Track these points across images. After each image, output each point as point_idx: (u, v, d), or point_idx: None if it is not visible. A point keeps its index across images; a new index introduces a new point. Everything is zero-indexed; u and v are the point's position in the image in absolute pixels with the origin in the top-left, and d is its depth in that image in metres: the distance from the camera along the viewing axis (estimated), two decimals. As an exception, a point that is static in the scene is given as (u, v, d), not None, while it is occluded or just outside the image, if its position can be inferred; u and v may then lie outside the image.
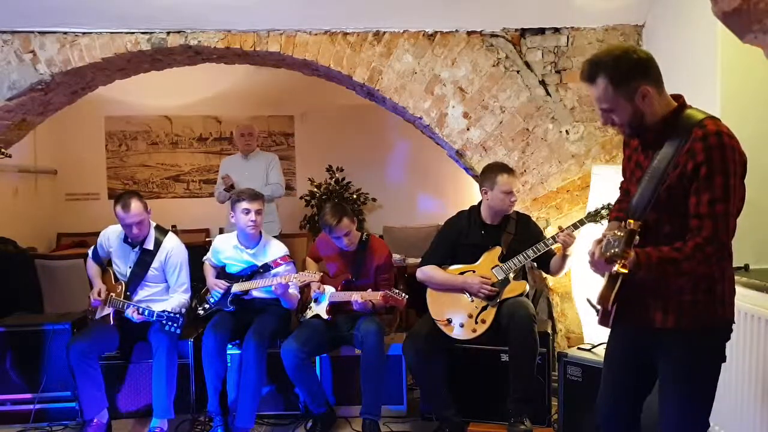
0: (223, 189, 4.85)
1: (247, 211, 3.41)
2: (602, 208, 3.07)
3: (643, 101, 1.82)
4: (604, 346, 2.24)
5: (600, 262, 1.80)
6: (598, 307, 1.96)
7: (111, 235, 3.54)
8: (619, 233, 1.73)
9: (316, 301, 3.52)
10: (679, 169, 1.80)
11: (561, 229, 3.14)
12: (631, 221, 1.76)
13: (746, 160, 1.84)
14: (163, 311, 3.21)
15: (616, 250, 1.71)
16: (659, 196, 1.84)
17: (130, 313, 3.26)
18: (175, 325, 3.17)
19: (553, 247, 3.20)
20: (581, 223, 3.14)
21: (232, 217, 3.50)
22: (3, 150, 3.77)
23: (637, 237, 1.76)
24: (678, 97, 1.92)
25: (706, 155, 1.74)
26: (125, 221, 3.33)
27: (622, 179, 2.19)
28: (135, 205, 3.31)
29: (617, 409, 2.10)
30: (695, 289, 1.85)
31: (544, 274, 3.51)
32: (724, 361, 1.95)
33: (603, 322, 1.99)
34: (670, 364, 1.93)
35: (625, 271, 1.74)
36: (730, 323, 1.93)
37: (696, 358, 1.89)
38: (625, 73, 1.80)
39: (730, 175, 1.75)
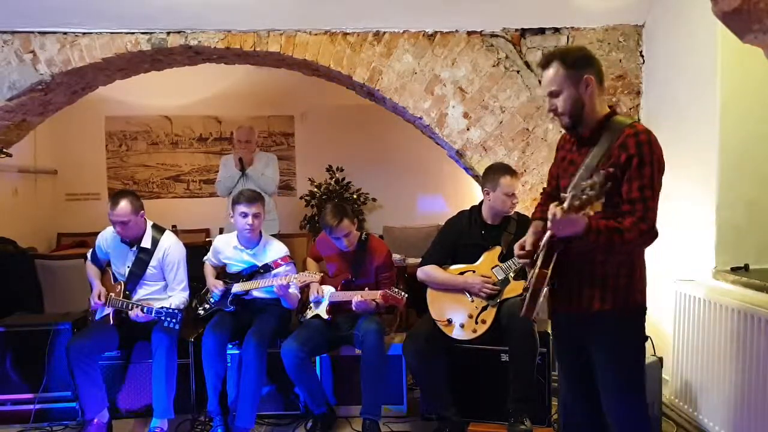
0: (235, 168, 4.79)
1: (245, 215, 3.41)
2: None
3: (585, 91, 2.06)
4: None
5: (566, 219, 1.87)
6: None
7: (108, 237, 3.54)
8: (587, 182, 1.81)
9: (317, 303, 3.51)
10: (612, 161, 2.00)
11: None
12: (610, 169, 1.88)
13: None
14: (162, 308, 3.21)
15: (591, 193, 1.79)
16: None
17: (134, 313, 3.27)
18: (174, 320, 3.16)
19: None
20: None
21: (231, 217, 3.50)
22: (4, 150, 3.78)
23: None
24: (611, 107, 2.19)
25: (638, 149, 1.98)
26: (110, 218, 3.35)
27: (547, 185, 2.46)
28: (123, 204, 3.30)
29: (576, 400, 2.29)
30: (618, 274, 2.07)
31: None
32: (646, 339, 2.20)
33: (529, 311, 2.10)
34: (601, 345, 2.12)
35: (592, 213, 1.89)
36: (644, 308, 2.15)
37: (622, 336, 2.11)
38: (574, 59, 2.07)
39: (655, 168, 1.99)
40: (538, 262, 2.06)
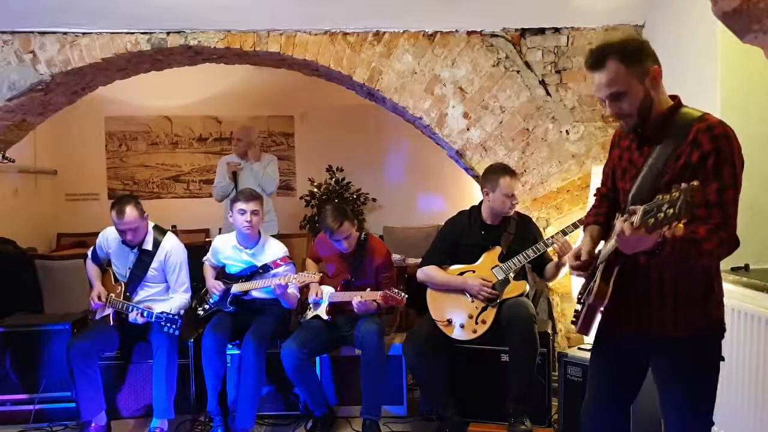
0: (227, 178, 4.87)
1: (243, 212, 3.41)
2: None
3: (652, 84, 1.80)
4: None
5: (636, 237, 1.56)
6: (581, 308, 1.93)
7: (110, 237, 3.53)
8: (665, 197, 1.46)
9: (316, 305, 3.51)
10: (682, 160, 1.75)
11: (564, 233, 3.15)
12: (694, 183, 1.46)
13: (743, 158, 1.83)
14: (162, 312, 3.21)
15: (670, 211, 1.43)
16: (659, 189, 1.75)
17: (134, 316, 3.27)
18: (174, 326, 3.16)
19: (549, 250, 3.21)
20: (575, 226, 3.14)
21: (230, 216, 3.50)
22: (6, 156, 3.78)
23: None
24: (674, 97, 1.90)
25: (714, 145, 1.72)
26: (119, 227, 3.33)
27: (601, 185, 2.18)
28: (130, 211, 3.28)
29: (605, 419, 2.07)
30: (693, 291, 1.84)
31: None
32: (723, 360, 1.93)
33: (584, 329, 1.92)
34: (671, 366, 1.89)
35: (670, 235, 1.54)
36: (723, 329, 1.91)
37: (698, 360, 1.87)
38: (635, 52, 1.78)
39: (737, 165, 1.74)
40: (598, 276, 1.84)
